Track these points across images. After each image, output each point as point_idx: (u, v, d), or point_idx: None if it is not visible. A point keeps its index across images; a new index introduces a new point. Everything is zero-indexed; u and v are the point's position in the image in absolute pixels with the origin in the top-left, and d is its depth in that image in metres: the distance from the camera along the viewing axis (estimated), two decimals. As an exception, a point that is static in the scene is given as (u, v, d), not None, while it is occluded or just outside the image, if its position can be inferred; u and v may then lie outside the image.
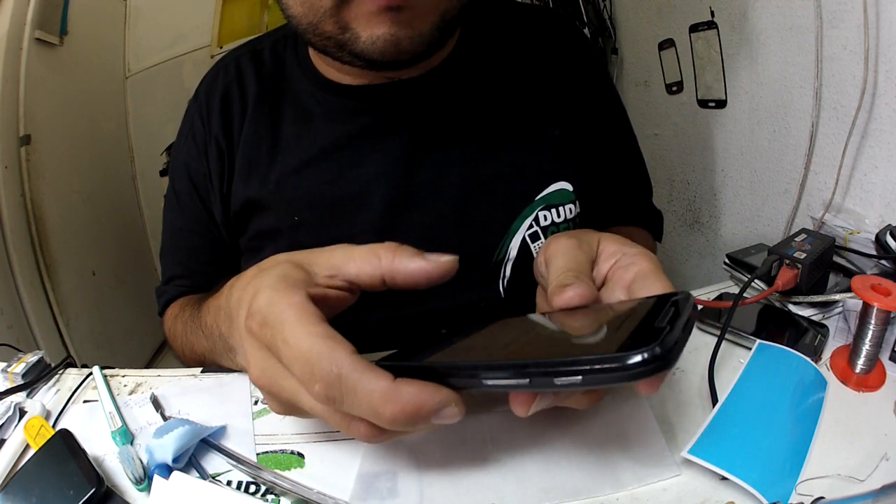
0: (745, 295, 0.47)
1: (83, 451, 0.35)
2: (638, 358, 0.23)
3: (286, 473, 0.36)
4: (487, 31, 0.55)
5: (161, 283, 0.62)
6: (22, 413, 0.41)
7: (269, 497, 0.34)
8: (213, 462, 0.37)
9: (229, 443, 0.38)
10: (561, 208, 0.54)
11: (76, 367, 0.48)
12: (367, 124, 0.52)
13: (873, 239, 0.54)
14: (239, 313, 0.32)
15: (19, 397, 0.43)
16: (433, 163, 0.52)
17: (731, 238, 0.94)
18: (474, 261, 0.53)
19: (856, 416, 0.37)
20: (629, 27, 1.17)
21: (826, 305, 0.48)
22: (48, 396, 0.44)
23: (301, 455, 0.37)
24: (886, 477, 0.32)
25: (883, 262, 0.52)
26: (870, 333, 0.39)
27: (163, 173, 1.63)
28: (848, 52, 0.62)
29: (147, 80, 1.62)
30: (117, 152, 1.61)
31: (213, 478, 0.36)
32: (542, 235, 0.53)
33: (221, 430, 0.39)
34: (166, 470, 0.34)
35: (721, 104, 0.90)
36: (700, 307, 0.47)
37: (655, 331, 0.24)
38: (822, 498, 0.30)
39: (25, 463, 0.36)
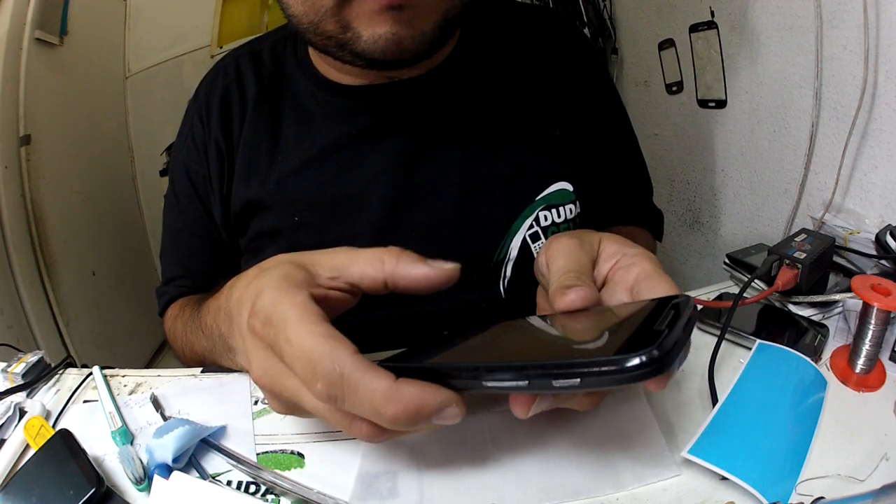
0: (745, 295, 0.47)
1: (83, 451, 0.35)
2: (636, 361, 0.23)
3: (286, 473, 0.36)
4: (487, 31, 0.55)
5: (161, 284, 0.62)
6: (22, 413, 0.41)
7: (269, 497, 0.34)
8: (213, 462, 0.37)
9: (229, 443, 0.38)
10: (561, 208, 0.54)
11: (76, 367, 0.48)
12: (367, 124, 0.52)
13: (873, 239, 0.54)
14: (240, 313, 0.32)
15: (19, 397, 0.43)
16: (433, 163, 0.52)
17: (731, 238, 0.94)
18: (475, 261, 0.53)
19: (856, 416, 0.37)
20: (629, 27, 1.17)
21: (826, 305, 0.48)
22: (48, 396, 0.44)
23: (301, 455, 0.37)
24: (886, 477, 0.32)
25: (883, 262, 0.52)
26: (870, 333, 0.39)
27: (163, 173, 1.63)
28: (848, 52, 0.62)
29: (147, 80, 1.62)
30: (117, 152, 1.61)
31: (213, 478, 0.36)
32: (542, 235, 0.53)
33: (221, 430, 0.39)
34: (166, 470, 0.34)
35: (721, 104, 0.90)
36: (700, 307, 0.47)
37: (654, 334, 0.24)
38: (822, 498, 0.30)
39: (25, 463, 0.36)
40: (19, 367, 0.44)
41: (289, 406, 0.32)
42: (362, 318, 0.36)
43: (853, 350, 0.41)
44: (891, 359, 0.41)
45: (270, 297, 0.30)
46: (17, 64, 1.20)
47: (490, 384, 0.26)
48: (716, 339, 0.43)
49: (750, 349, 0.42)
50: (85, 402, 0.43)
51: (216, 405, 0.41)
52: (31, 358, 0.45)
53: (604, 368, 0.23)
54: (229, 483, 0.35)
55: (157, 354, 1.58)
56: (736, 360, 0.43)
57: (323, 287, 0.32)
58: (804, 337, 0.44)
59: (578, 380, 0.24)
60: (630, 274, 0.34)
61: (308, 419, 0.38)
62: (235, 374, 0.44)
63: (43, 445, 0.36)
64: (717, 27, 0.87)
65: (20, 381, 0.44)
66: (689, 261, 1.09)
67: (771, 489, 0.31)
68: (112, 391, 0.43)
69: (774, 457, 0.33)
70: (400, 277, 0.31)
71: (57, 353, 1.20)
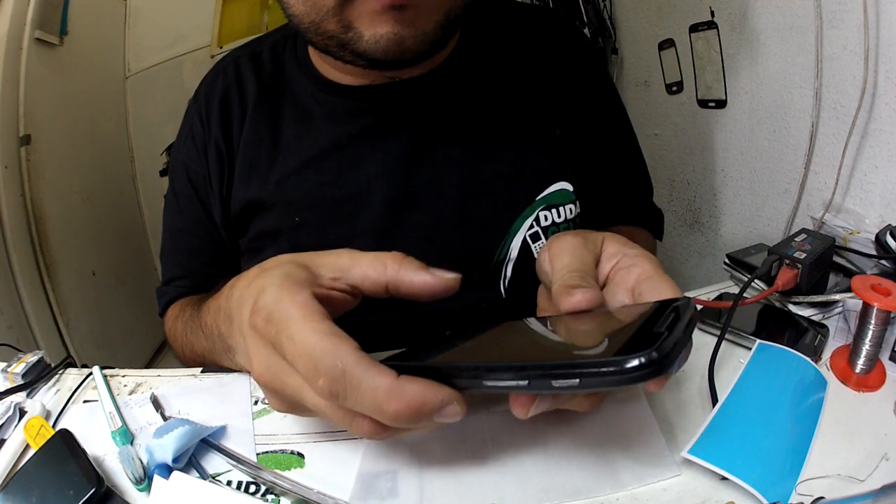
0: (745, 295, 0.47)
1: (83, 451, 0.35)
2: (635, 362, 0.23)
3: (286, 473, 0.36)
4: (488, 31, 0.55)
5: (161, 284, 0.62)
6: (22, 413, 0.41)
7: (269, 497, 0.34)
8: (213, 462, 0.37)
9: (229, 443, 0.38)
10: (561, 208, 0.54)
11: (76, 367, 0.48)
12: (368, 124, 0.52)
13: (873, 239, 0.54)
14: (241, 311, 0.32)
15: (19, 397, 0.43)
16: (433, 163, 0.52)
17: (731, 238, 0.94)
18: (475, 261, 0.53)
19: (856, 416, 0.37)
20: (629, 27, 1.17)
21: (826, 305, 0.48)
22: (48, 396, 0.44)
23: (301, 455, 0.37)
24: (886, 477, 0.32)
25: (883, 262, 0.52)
26: (870, 333, 0.39)
27: (163, 173, 1.63)
28: (848, 52, 0.62)
29: (147, 80, 1.62)
30: (117, 152, 1.61)
31: (213, 478, 0.36)
32: (542, 236, 0.53)
33: (221, 430, 0.39)
34: (166, 470, 0.34)
35: (721, 104, 0.90)
36: (700, 307, 0.47)
37: (654, 336, 0.24)
38: (822, 498, 0.30)
39: (25, 463, 0.36)
40: (19, 367, 0.44)
41: (290, 404, 0.32)
42: (363, 319, 0.36)
43: (853, 350, 0.41)
44: (891, 359, 0.41)
45: (273, 295, 0.30)
46: (17, 64, 1.20)
47: (490, 384, 0.26)
48: (716, 339, 0.43)
49: (750, 349, 0.42)
50: (85, 402, 0.43)
51: (216, 405, 0.41)
52: (31, 358, 0.45)
53: (603, 369, 0.23)
54: (229, 483, 0.35)
55: (157, 354, 1.58)
56: (736, 360, 0.43)
57: (325, 287, 0.32)
58: (804, 337, 0.44)
59: (578, 380, 0.24)
60: (631, 275, 0.34)
61: (308, 419, 0.38)
62: (235, 374, 0.44)
63: (43, 445, 0.36)
64: (717, 27, 0.87)
65: (20, 381, 0.44)
66: (689, 261, 1.09)
67: (771, 489, 0.31)
68: (112, 391, 0.43)
69: (774, 457, 0.33)
70: (402, 283, 0.32)
71: (57, 353, 1.20)
